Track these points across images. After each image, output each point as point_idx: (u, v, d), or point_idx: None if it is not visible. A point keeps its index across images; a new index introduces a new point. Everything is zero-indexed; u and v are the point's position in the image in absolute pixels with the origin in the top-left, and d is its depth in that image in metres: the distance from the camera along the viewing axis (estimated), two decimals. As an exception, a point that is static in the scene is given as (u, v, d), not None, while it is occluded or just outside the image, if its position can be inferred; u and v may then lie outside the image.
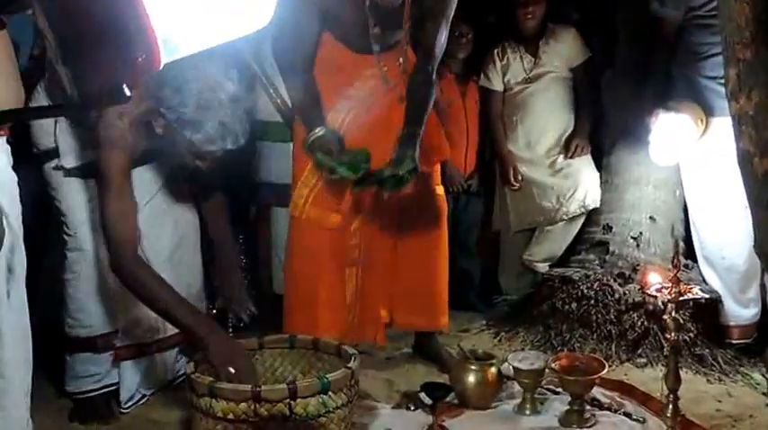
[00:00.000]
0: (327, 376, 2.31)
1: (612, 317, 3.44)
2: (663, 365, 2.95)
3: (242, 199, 3.68)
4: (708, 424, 2.75)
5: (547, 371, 2.80)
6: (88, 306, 2.79)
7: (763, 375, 3.12)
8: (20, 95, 2.41)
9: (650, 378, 3.16)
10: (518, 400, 2.83)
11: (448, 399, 2.78)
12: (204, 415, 2.31)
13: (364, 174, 2.83)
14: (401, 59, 3.04)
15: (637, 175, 3.78)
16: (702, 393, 3.06)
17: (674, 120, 3.30)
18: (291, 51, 3.00)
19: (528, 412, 2.78)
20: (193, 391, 2.34)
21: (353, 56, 3.03)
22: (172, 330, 2.87)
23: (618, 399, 2.86)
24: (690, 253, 3.62)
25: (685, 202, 3.63)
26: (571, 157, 4.04)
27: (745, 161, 2.07)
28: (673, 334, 2.52)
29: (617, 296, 3.47)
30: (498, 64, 4.17)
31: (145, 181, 2.74)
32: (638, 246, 3.70)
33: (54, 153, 2.74)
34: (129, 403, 2.87)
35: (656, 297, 2.58)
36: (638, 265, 3.61)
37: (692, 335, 3.36)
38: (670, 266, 2.68)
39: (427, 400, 2.68)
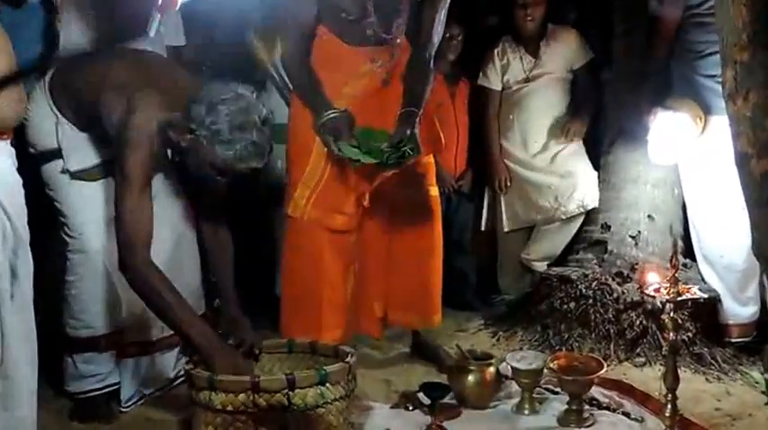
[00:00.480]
0: (325, 368, 2.38)
1: (611, 316, 3.44)
2: (661, 364, 2.97)
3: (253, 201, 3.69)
4: (707, 423, 2.75)
5: (545, 370, 2.80)
6: (91, 307, 2.79)
7: (762, 374, 3.12)
8: (21, 95, 2.43)
9: (649, 377, 3.16)
10: (516, 400, 2.84)
11: (446, 399, 2.77)
12: (204, 408, 2.37)
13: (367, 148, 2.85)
14: (398, 49, 3.07)
15: (635, 174, 3.78)
16: (701, 392, 3.07)
17: (672, 118, 3.31)
18: (291, 38, 3.02)
19: (526, 412, 2.79)
20: (193, 386, 2.40)
21: (349, 48, 3.03)
22: None
23: (616, 399, 2.87)
24: (688, 251, 3.62)
25: (684, 201, 3.63)
26: (564, 141, 4.06)
27: (742, 162, 2.07)
28: (671, 334, 2.52)
29: (615, 295, 3.47)
30: (498, 63, 4.17)
31: None
32: (636, 244, 3.70)
33: (53, 154, 2.74)
34: (130, 403, 2.88)
35: (654, 297, 2.58)
36: (636, 264, 3.61)
37: (690, 333, 3.36)
38: (668, 265, 2.68)
39: (426, 400, 2.67)
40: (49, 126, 2.72)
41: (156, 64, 2.84)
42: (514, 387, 2.88)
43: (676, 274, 2.54)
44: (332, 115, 2.88)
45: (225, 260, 2.88)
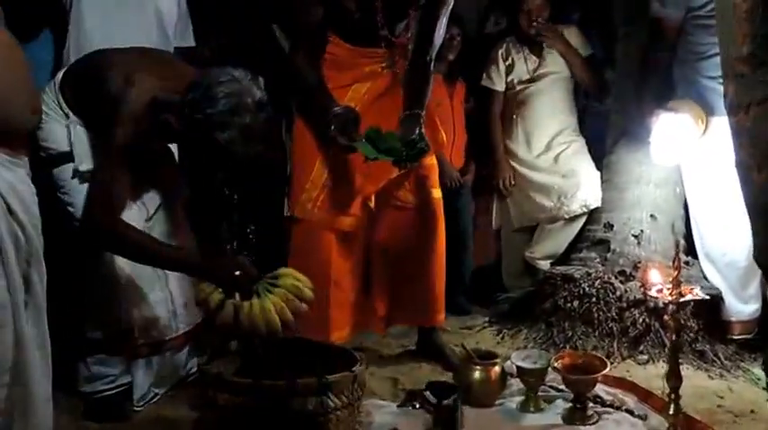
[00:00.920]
0: (328, 377, 2.35)
1: (614, 314, 3.48)
2: (664, 361, 3.01)
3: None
4: (709, 420, 2.78)
5: (550, 369, 2.83)
6: (103, 309, 2.83)
7: (764, 370, 3.16)
8: (37, 103, 2.46)
9: (652, 374, 3.20)
10: (522, 398, 2.87)
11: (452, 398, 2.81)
12: (209, 406, 2.41)
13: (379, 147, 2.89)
14: (402, 51, 3.12)
15: (637, 174, 3.81)
16: (703, 389, 3.10)
17: (674, 119, 3.34)
18: (297, 37, 3.10)
19: (532, 410, 2.82)
20: (203, 382, 2.46)
21: (355, 50, 3.09)
22: (184, 328, 2.97)
23: (620, 396, 2.90)
24: (691, 249, 3.65)
25: (686, 200, 3.67)
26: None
27: (743, 172, 2.11)
28: (673, 335, 2.57)
29: (618, 293, 3.51)
30: (502, 65, 4.21)
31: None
32: (638, 243, 3.72)
33: (65, 157, 2.75)
34: (143, 402, 2.91)
35: (657, 298, 2.62)
36: (638, 263, 3.64)
37: (693, 331, 3.40)
38: (671, 264, 2.72)
39: (432, 399, 2.72)
40: (61, 129, 2.73)
41: (159, 54, 2.90)
42: (519, 385, 2.91)
43: (679, 276, 2.59)
44: (339, 110, 2.92)
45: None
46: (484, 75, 4.26)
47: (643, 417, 2.75)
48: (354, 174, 3.10)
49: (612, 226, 3.82)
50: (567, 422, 2.74)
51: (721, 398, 3.03)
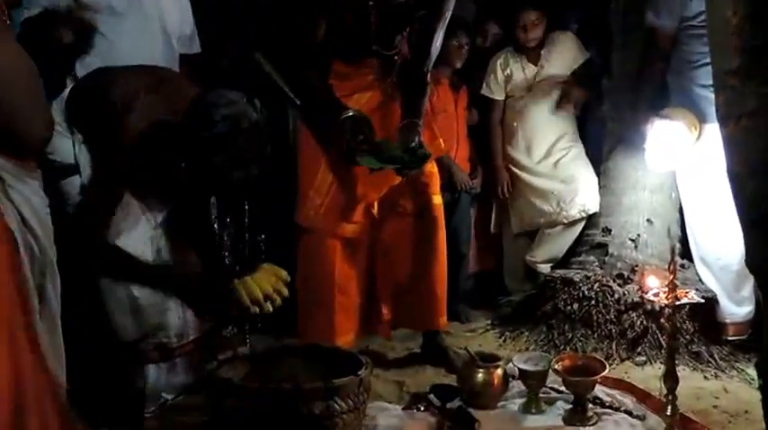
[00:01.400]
0: (334, 381, 2.37)
1: (612, 316, 3.56)
2: (661, 363, 3.08)
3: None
4: (705, 420, 2.85)
5: (550, 371, 2.90)
6: (115, 316, 2.83)
7: (758, 372, 3.23)
8: (50, 116, 2.52)
9: (649, 375, 3.27)
10: (523, 400, 2.93)
11: (456, 401, 2.87)
12: (217, 411, 2.45)
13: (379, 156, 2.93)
14: (399, 63, 3.18)
15: (634, 180, 3.89)
16: (700, 389, 3.18)
17: (669, 127, 3.40)
18: (299, 49, 3.09)
19: (533, 411, 2.88)
20: (211, 388, 2.49)
21: (353, 64, 3.15)
22: (194, 335, 2.99)
23: (618, 397, 2.96)
24: (686, 253, 3.72)
25: (681, 204, 3.74)
26: (557, 106, 4.19)
27: (734, 182, 2.17)
28: (669, 338, 2.64)
29: (616, 296, 3.59)
30: (500, 74, 4.26)
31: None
32: (636, 247, 3.81)
33: (71, 170, 2.77)
34: (153, 407, 2.94)
35: (653, 302, 2.70)
36: (636, 266, 3.72)
37: (689, 332, 3.48)
38: (667, 267, 2.80)
39: (436, 402, 2.80)
40: (67, 143, 2.75)
41: (163, 73, 2.89)
42: (521, 387, 2.97)
43: (675, 280, 2.66)
44: (350, 114, 2.94)
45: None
46: (483, 84, 4.32)
47: (641, 418, 2.81)
48: (357, 181, 3.15)
49: (610, 230, 3.90)
50: (567, 423, 2.80)
51: (717, 398, 3.11)
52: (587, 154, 4.25)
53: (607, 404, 2.91)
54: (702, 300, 2.78)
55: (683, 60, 3.45)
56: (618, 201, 3.93)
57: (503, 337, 3.85)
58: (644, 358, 3.45)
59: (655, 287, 2.75)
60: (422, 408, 2.93)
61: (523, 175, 4.26)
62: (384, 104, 3.22)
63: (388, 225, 3.34)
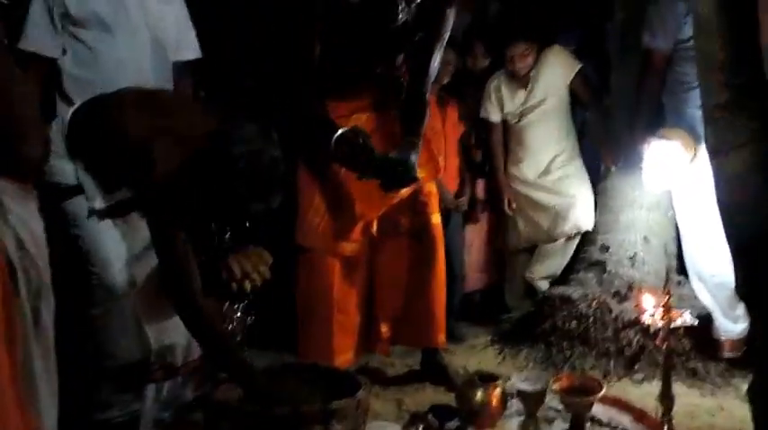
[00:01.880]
0: (331, 404, 2.38)
1: (610, 334, 3.60)
2: (659, 380, 3.08)
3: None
4: (702, 438, 2.89)
5: (548, 391, 2.93)
6: (118, 339, 2.85)
7: (749, 398, 3.25)
8: (46, 135, 2.55)
9: (646, 393, 3.28)
10: (522, 419, 2.96)
11: (455, 421, 2.90)
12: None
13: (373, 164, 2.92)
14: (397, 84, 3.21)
15: (631, 198, 3.94)
16: (696, 407, 3.21)
17: (665, 147, 3.44)
18: (297, 71, 3.10)
19: (532, 430, 2.92)
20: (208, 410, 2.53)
21: (348, 90, 3.16)
22: (197, 353, 2.96)
23: (616, 417, 3.00)
24: (682, 269, 3.78)
25: (677, 222, 3.76)
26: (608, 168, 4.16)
27: (724, 212, 2.22)
28: (665, 358, 2.69)
29: (614, 314, 3.64)
30: (494, 97, 4.30)
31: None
32: (633, 265, 3.86)
33: (75, 190, 2.77)
34: (150, 426, 2.93)
35: (649, 324, 2.75)
36: (633, 284, 3.78)
37: (685, 349, 3.53)
38: (663, 285, 2.85)
39: (435, 423, 2.83)
40: (68, 164, 2.73)
41: (174, 105, 2.82)
42: (520, 406, 3.00)
43: (669, 302, 2.71)
44: (346, 131, 2.93)
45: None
46: (481, 107, 4.35)
47: (638, 438, 2.86)
48: (356, 200, 3.18)
49: (608, 248, 3.95)
50: (565, 443, 2.84)
51: (713, 416, 3.14)
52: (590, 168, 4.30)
53: (605, 423, 2.95)
54: (696, 322, 2.82)
55: (678, 82, 3.49)
56: (615, 218, 3.98)
57: (502, 355, 3.88)
58: (641, 376, 3.49)
59: (650, 308, 2.80)
60: (420, 428, 2.92)
61: (522, 191, 4.31)
62: (383, 125, 3.24)
63: (386, 244, 3.36)
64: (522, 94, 4.25)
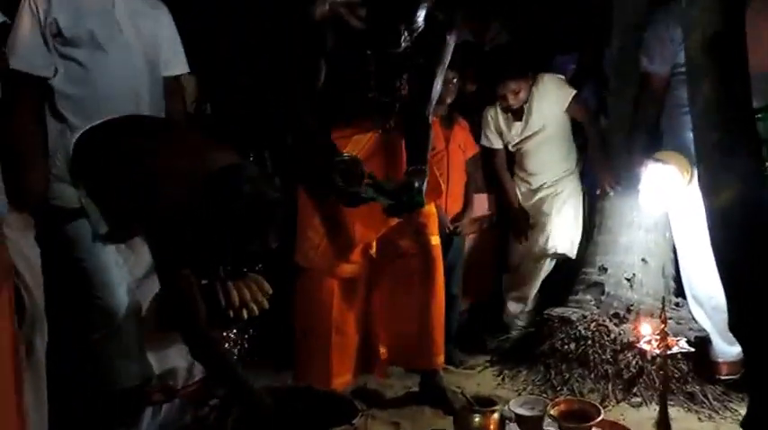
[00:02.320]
0: None
1: (609, 356, 3.60)
2: (657, 404, 3.14)
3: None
4: (700, 463, 2.90)
5: (546, 416, 2.94)
6: (118, 364, 2.86)
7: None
8: (47, 170, 2.57)
9: (645, 417, 3.29)
10: (520, 444, 2.97)
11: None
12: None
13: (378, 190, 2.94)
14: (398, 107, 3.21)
15: (629, 220, 3.95)
16: (694, 431, 3.23)
17: (661, 170, 3.45)
18: (300, 92, 3.09)
19: (530, 456, 2.93)
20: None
21: (350, 114, 3.17)
22: (200, 376, 3.01)
23: (613, 442, 3.00)
24: (680, 291, 3.79)
25: (675, 244, 3.77)
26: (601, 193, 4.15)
27: (717, 251, 2.25)
28: (661, 385, 2.71)
29: (612, 336, 3.64)
30: (492, 126, 4.31)
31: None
32: (631, 287, 3.87)
33: (76, 213, 2.77)
34: None
35: (645, 351, 2.77)
36: (631, 306, 3.79)
37: (683, 372, 3.52)
38: (660, 306, 2.87)
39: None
40: (70, 188, 2.75)
41: (178, 138, 2.84)
42: (518, 430, 3.01)
43: (665, 329, 2.74)
44: (343, 157, 2.95)
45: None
46: (482, 135, 4.35)
47: (635, 463, 2.88)
48: (355, 221, 3.19)
49: (606, 269, 3.96)
50: (563, 468, 2.85)
51: (711, 440, 3.16)
52: (585, 192, 4.32)
53: (603, 448, 2.96)
54: (692, 349, 2.84)
55: (676, 105, 3.49)
56: (614, 240, 3.99)
57: (501, 376, 3.88)
58: (639, 399, 3.48)
59: (647, 335, 2.82)
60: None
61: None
62: (385, 146, 3.26)
63: (385, 265, 3.38)
64: (518, 125, 4.24)
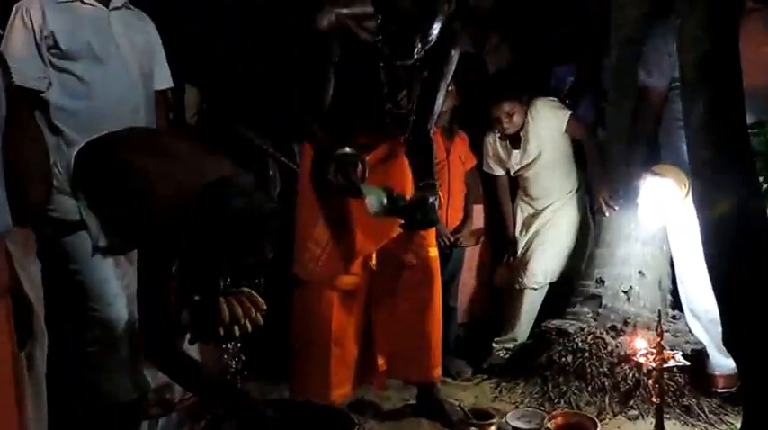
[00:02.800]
0: None
1: (606, 369, 3.60)
2: (653, 417, 3.13)
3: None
4: (697, 478, 2.90)
5: (543, 429, 2.97)
6: (115, 377, 2.89)
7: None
8: (49, 182, 2.58)
9: (641, 431, 3.32)
10: (517, 458, 3.00)
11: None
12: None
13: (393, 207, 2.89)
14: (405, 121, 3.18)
15: (627, 232, 3.95)
16: (690, 445, 3.23)
17: (659, 183, 3.45)
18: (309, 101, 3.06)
19: (526, 469, 2.95)
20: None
21: (359, 125, 3.14)
22: None
23: (610, 456, 3.04)
24: (677, 304, 3.80)
25: (672, 256, 3.78)
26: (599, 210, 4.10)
27: (710, 265, 2.27)
28: (657, 399, 2.72)
29: (609, 348, 3.65)
30: (492, 153, 4.31)
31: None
32: (628, 299, 3.88)
33: (76, 226, 2.81)
34: None
35: (641, 364, 2.79)
36: (628, 318, 3.80)
37: (679, 385, 3.53)
38: (657, 319, 2.88)
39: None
40: (71, 201, 2.77)
41: (177, 149, 2.79)
42: (515, 443, 3.04)
43: (661, 343, 2.75)
44: (345, 151, 2.86)
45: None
46: (483, 161, 4.35)
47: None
48: (357, 233, 3.18)
49: (604, 281, 3.96)
50: (559, 482, 2.87)
51: (707, 454, 3.16)
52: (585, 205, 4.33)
53: (599, 462, 2.97)
54: (688, 363, 2.86)
55: (674, 119, 3.48)
56: (611, 252, 3.99)
57: (498, 388, 3.88)
58: (636, 412, 3.49)
59: (642, 348, 2.83)
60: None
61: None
62: (391, 158, 3.26)
63: (384, 276, 3.37)
64: (516, 153, 4.24)
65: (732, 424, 3.38)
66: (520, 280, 4.24)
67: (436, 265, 3.43)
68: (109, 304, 2.89)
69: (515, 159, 4.26)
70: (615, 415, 3.50)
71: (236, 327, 2.63)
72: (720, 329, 3.41)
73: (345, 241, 3.21)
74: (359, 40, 2.91)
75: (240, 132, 3.79)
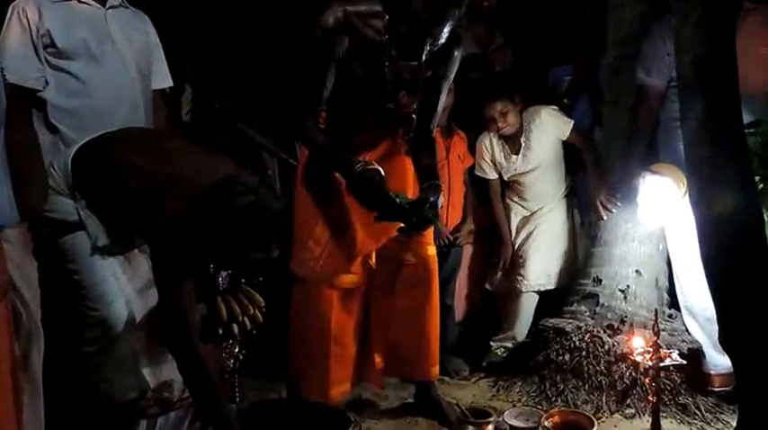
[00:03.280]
0: None
1: (603, 368, 3.61)
2: (650, 416, 3.16)
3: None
4: (693, 476, 2.90)
5: (540, 428, 2.98)
6: (112, 377, 2.83)
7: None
8: (46, 185, 2.59)
9: (638, 429, 3.33)
10: (514, 456, 3.00)
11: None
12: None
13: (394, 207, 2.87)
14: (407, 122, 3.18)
15: (624, 231, 3.95)
16: (686, 443, 3.24)
17: (657, 182, 3.46)
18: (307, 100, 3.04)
19: (523, 468, 2.96)
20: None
21: (361, 124, 3.14)
22: None
23: (607, 453, 3.04)
24: (674, 303, 3.81)
25: (668, 256, 3.80)
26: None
27: (707, 264, 2.28)
28: (653, 397, 2.73)
29: (606, 347, 3.65)
30: (488, 157, 4.28)
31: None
32: (625, 298, 3.88)
33: (75, 226, 2.75)
34: None
35: (638, 363, 2.80)
36: (625, 317, 3.79)
37: (675, 383, 3.53)
38: (653, 317, 2.88)
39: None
40: (68, 201, 2.73)
41: (179, 149, 2.80)
42: (512, 442, 3.03)
43: (658, 342, 2.75)
44: (365, 164, 2.86)
45: None
46: (476, 164, 4.32)
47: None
48: (357, 232, 3.19)
49: (601, 280, 3.96)
50: (556, 479, 2.88)
51: (704, 452, 3.16)
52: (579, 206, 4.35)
53: (596, 460, 2.98)
54: (684, 362, 2.87)
55: (671, 118, 3.48)
56: (608, 251, 3.98)
57: (496, 387, 3.89)
58: (633, 411, 3.50)
59: (639, 347, 2.84)
60: (414, 464, 3.00)
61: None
62: (392, 157, 3.25)
63: (382, 274, 3.38)
64: (515, 159, 4.22)
65: (728, 422, 3.39)
66: (516, 285, 4.25)
67: (434, 264, 3.43)
68: (108, 304, 2.83)
69: (514, 166, 4.24)
70: (612, 413, 3.51)
71: (235, 325, 2.63)
72: (717, 328, 3.44)
73: (346, 240, 3.21)
74: (365, 38, 2.91)
75: (241, 130, 3.79)
